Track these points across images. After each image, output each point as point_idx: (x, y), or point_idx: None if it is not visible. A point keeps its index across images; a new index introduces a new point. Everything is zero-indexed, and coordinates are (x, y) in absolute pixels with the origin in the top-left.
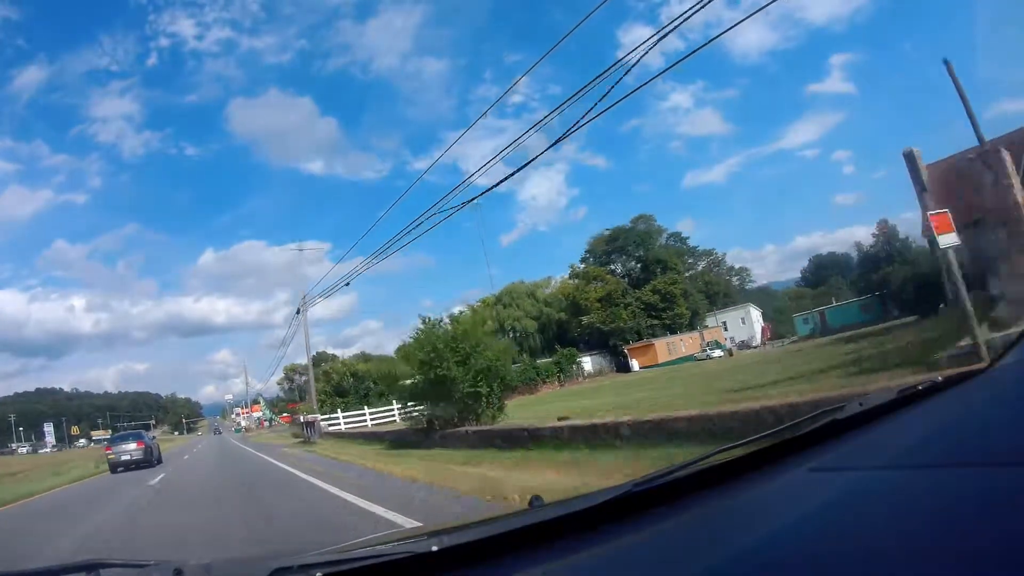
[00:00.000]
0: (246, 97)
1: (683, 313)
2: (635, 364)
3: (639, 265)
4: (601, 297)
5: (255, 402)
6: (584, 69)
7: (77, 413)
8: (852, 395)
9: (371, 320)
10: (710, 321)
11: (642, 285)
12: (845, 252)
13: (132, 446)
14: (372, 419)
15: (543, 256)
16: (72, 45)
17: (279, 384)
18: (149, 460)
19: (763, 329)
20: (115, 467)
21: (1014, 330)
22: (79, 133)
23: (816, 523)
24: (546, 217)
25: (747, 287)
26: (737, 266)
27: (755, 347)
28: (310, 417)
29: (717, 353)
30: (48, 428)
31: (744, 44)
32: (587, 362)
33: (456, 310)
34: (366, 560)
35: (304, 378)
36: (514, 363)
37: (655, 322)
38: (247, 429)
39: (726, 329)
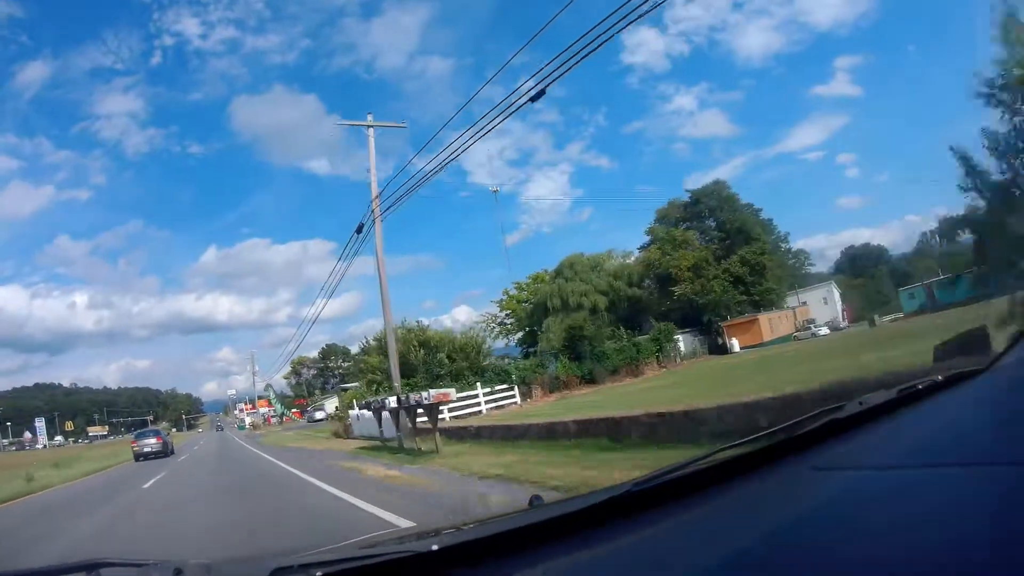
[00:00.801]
0: (250, 94)
1: (772, 287)
2: (735, 344)
3: (719, 234)
4: (691, 266)
5: (261, 397)
6: (586, 69)
7: (74, 408)
8: None
9: (373, 319)
10: (790, 300)
11: (723, 256)
12: (879, 244)
13: (152, 441)
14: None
15: (546, 258)
16: (76, 42)
17: (285, 379)
18: (165, 452)
19: (845, 310)
20: (138, 457)
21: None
22: (82, 130)
23: (817, 522)
24: (549, 218)
25: (804, 271)
26: (795, 247)
27: (843, 327)
28: (437, 395)
29: (823, 331)
30: (39, 424)
31: (747, 47)
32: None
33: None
34: (366, 560)
35: (312, 372)
36: (610, 339)
37: (743, 297)
38: (254, 426)
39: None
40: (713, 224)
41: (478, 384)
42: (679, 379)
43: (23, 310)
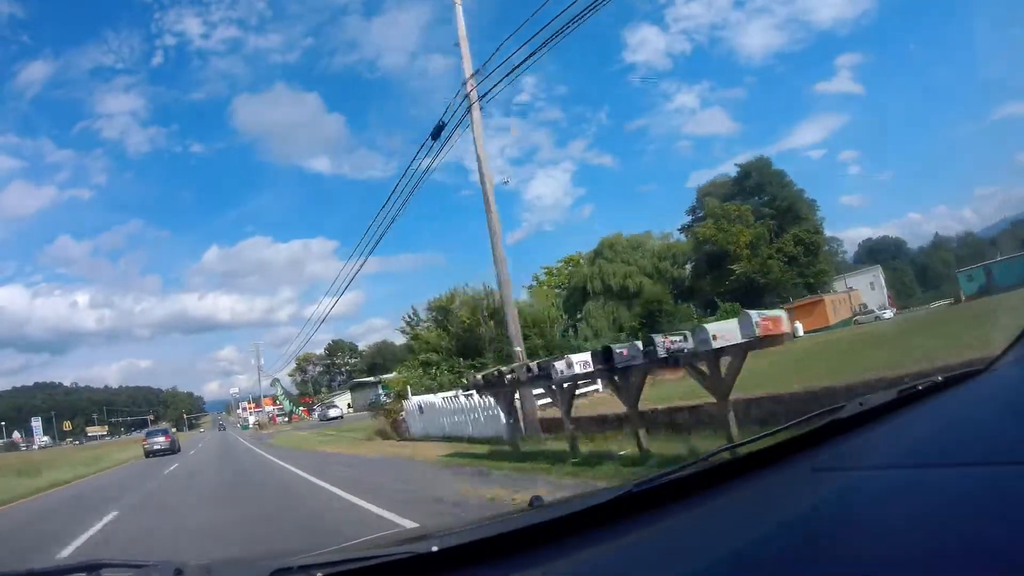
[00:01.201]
0: (251, 93)
1: (826, 269)
2: (799, 327)
3: (770, 211)
4: (748, 243)
5: (266, 395)
6: (588, 68)
7: (73, 408)
8: None
9: (375, 319)
10: (837, 285)
11: (776, 235)
12: (897, 236)
13: (161, 439)
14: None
15: (548, 257)
16: (77, 41)
17: (290, 375)
18: (173, 449)
19: (888, 296)
20: (148, 454)
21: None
22: (84, 129)
23: (818, 522)
24: (551, 216)
25: (837, 257)
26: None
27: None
28: (767, 320)
29: (888, 314)
30: (35, 424)
31: (749, 45)
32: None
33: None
34: (366, 560)
35: (319, 369)
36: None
37: (798, 279)
38: (260, 425)
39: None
40: (762, 201)
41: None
42: (786, 360)
43: (25, 310)
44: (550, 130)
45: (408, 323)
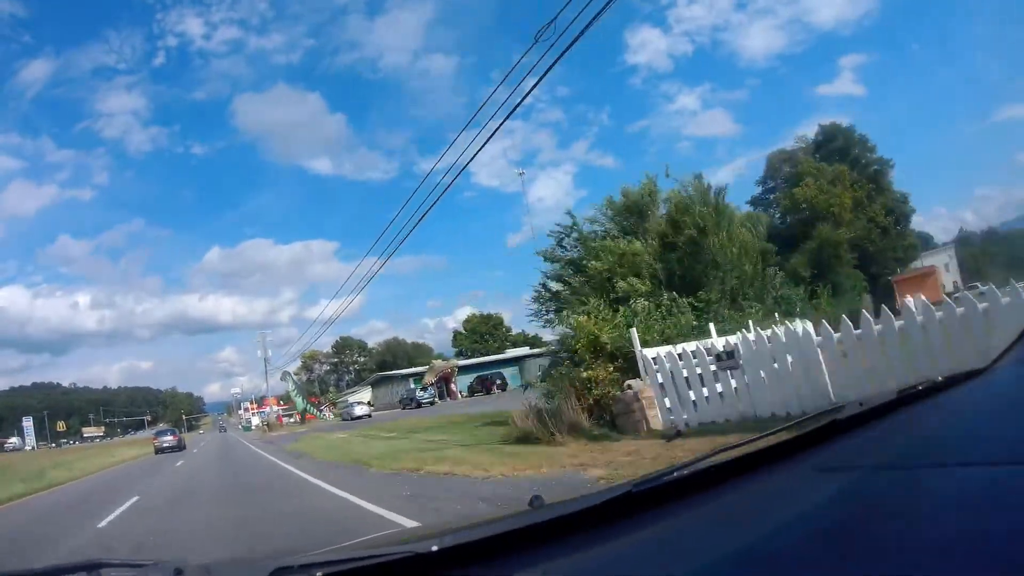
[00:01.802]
0: (253, 93)
1: (915, 243)
2: (909, 301)
3: (858, 176)
4: (852, 206)
5: (273, 394)
6: (591, 69)
7: (71, 408)
8: None
9: (376, 320)
10: (916, 263)
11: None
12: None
13: (170, 438)
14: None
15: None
16: (79, 40)
17: (296, 374)
18: (180, 446)
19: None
20: (158, 450)
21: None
22: (85, 128)
23: (818, 522)
24: (553, 218)
25: None
26: None
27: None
28: None
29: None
30: (27, 424)
31: (751, 47)
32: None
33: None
34: (366, 560)
35: (326, 367)
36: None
37: (890, 251)
38: (267, 425)
39: None
40: (846, 166)
41: (777, 319)
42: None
43: (25, 310)
44: (552, 131)
45: (559, 240)
